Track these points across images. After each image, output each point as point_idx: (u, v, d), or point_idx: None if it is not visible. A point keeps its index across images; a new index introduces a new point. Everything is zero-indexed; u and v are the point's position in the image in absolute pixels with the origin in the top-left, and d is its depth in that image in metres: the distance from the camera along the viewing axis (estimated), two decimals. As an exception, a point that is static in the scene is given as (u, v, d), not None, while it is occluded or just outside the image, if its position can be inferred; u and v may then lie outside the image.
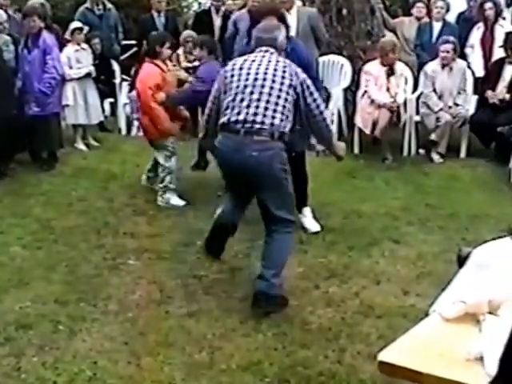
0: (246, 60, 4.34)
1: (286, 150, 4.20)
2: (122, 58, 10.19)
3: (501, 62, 7.82)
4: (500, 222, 5.28)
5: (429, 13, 9.02)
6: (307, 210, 5.63)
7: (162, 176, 6.21)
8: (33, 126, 7.26)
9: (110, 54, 9.46)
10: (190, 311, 4.15)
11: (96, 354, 3.66)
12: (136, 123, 9.06)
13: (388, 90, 7.73)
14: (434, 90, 7.82)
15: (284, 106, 4.14)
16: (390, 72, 7.76)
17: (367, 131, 7.66)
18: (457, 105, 7.79)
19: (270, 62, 4.27)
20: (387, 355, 1.85)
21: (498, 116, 7.42)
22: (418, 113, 8.04)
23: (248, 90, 4.16)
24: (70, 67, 8.24)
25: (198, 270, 4.75)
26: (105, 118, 9.09)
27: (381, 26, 9.03)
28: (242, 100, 4.15)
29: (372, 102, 7.64)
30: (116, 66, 9.41)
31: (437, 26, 8.75)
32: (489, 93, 7.69)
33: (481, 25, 8.51)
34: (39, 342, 3.78)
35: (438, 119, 7.70)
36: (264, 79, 4.17)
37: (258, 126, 4.08)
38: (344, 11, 8.73)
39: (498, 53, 8.10)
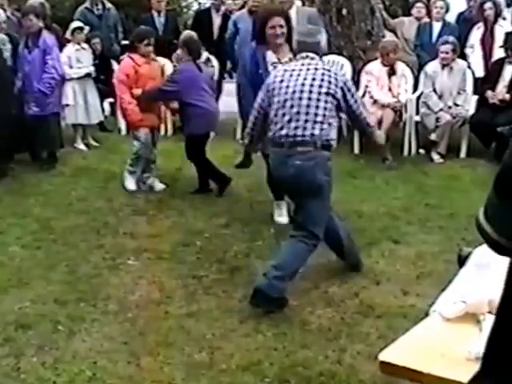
0: (286, 71, 4.41)
1: None
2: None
3: (501, 62, 7.82)
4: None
5: (429, 13, 9.01)
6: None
7: (130, 158, 6.62)
8: (33, 126, 7.25)
9: (109, 53, 9.46)
10: (189, 311, 4.14)
11: (96, 354, 3.66)
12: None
13: (390, 89, 7.73)
14: (434, 90, 7.81)
15: (324, 115, 4.19)
16: (392, 72, 7.76)
17: None
18: (457, 105, 7.79)
19: (308, 70, 4.32)
20: (388, 355, 1.85)
21: (498, 116, 7.42)
22: (418, 113, 8.03)
23: (288, 104, 4.26)
24: (71, 67, 8.24)
25: (198, 270, 4.74)
26: (105, 118, 9.09)
27: (381, 26, 9.03)
28: (283, 115, 4.26)
29: (375, 102, 7.63)
30: (116, 66, 9.39)
31: (437, 26, 8.75)
32: (489, 93, 7.69)
33: (481, 25, 8.51)
34: (39, 342, 3.77)
35: (437, 119, 7.70)
36: (301, 91, 4.24)
37: (299, 138, 4.18)
38: (344, 11, 8.73)
39: (498, 53, 8.10)
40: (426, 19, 8.99)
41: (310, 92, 4.22)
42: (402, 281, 4.55)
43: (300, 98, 4.22)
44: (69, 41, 8.42)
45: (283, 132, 4.22)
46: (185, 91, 6.25)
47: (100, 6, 9.65)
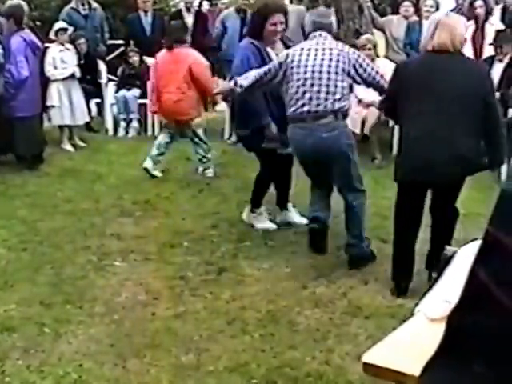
0: (302, 49, 4.76)
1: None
2: (109, 57, 10.13)
3: (490, 61, 7.79)
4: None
5: (417, 11, 9.00)
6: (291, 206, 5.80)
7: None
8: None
9: (95, 54, 9.40)
10: (176, 313, 4.12)
11: (82, 357, 3.63)
12: (123, 124, 9.05)
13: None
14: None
15: (343, 88, 4.66)
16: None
17: (357, 131, 7.58)
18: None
19: (324, 50, 4.72)
20: (371, 356, 1.82)
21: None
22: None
23: (308, 82, 4.65)
24: (55, 68, 8.19)
25: (185, 272, 4.71)
26: (91, 119, 9.04)
27: (369, 24, 9.00)
28: (304, 93, 4.67)
29: (359, 101, 7.59)
30: (102, 66, 9.36)
31: (426, 25, 8.70)
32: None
33: (471, 23, 8.49)
34: (24, 345, 3.74)
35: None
36: (320, 71, 4.65)
37: (321, 113, 4.64)
38: (332, 10, 8.68)
39: (488, 50, 8.09)
40: (415, 18, 8.97)
41: (329, 72, 4.63)
42: (390, 280, 4.52)
43: (320, 78, 4.62)
44: (53, 41, 8.35)
45: (305, 108, 4.65)
46: None
47: (86, 6, 9.55)
